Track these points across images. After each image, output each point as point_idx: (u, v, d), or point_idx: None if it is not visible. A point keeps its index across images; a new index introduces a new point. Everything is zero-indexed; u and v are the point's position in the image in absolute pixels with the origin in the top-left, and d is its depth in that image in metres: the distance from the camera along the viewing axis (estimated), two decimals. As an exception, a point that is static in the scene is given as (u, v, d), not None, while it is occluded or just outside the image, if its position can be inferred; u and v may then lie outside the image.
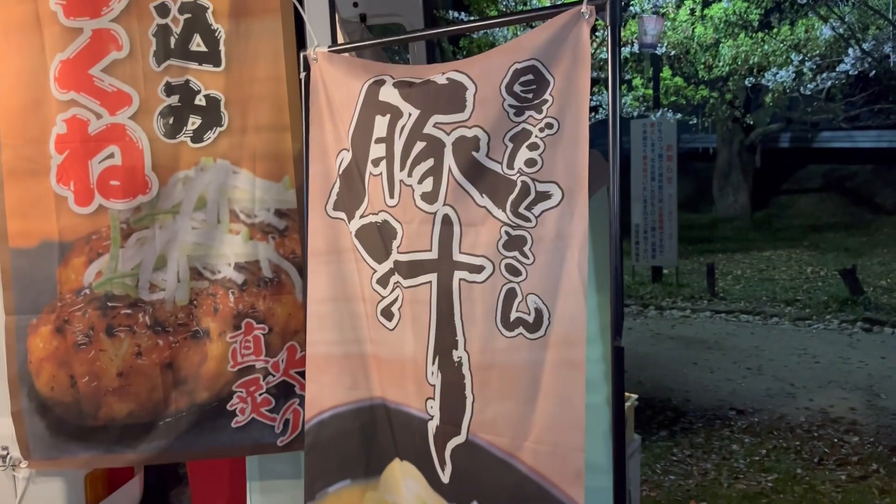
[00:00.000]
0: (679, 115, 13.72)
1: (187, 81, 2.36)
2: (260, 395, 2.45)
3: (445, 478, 1.92)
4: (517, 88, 1.74)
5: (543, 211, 1.71)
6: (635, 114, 13.40)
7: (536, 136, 1.71)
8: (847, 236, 13.06)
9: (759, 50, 12.33)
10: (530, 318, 1.75)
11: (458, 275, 1.85)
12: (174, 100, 2.36)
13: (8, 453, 2.59)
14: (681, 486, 4.46)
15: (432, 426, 1.95)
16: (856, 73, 12.13)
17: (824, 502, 4.15)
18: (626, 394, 2.70)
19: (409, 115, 1.92)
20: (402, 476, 2.08)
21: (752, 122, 14.72)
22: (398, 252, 1.98)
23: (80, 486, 2.70)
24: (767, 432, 5.23)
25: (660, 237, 9.91)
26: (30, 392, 2.44)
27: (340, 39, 2.48)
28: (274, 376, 2.45)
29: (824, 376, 6.38)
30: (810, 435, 5.15)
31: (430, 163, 1.87)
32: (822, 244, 12.60)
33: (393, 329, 2.04)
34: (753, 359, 7.00)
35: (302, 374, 2.34)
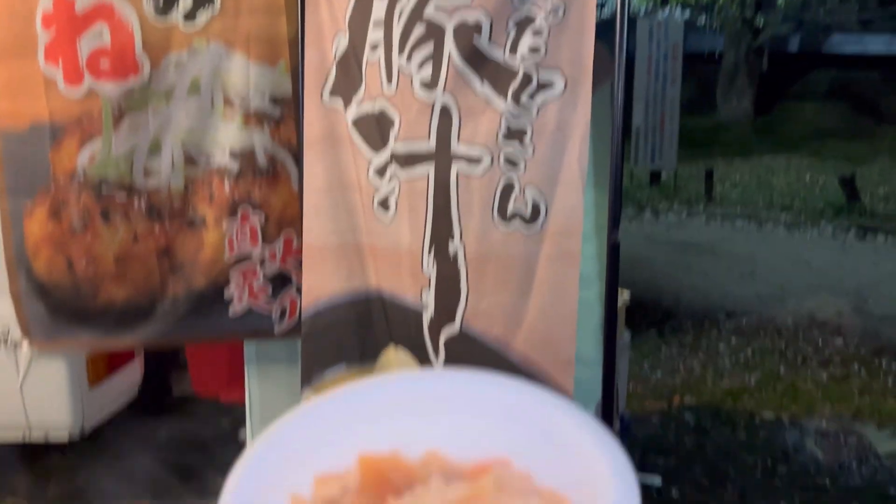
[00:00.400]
0: (687, 15, 13.30)
1: (177, -43, 2.25)
2: (256, 283, 2.47)
3: (439, 365, 1.96)
4: (522, -30, 1.66)
5: (545, 101, 1.68)
6: (642, 11, 12.98)
7: (541, 21, 1.65)
8: (849, 144, 12.93)
9: (776, -56, 11.81)
10: (527, 211, 1.74)
11: (455, 166, 1.83)
12: (164, -24, 2.26)
13: (9, 334, 2.63)
14: (667, 382, 4.59)
15: (427, 316, 1.97)
16: (874, -28, 11.68)
17: (804, 399, 4.29)
18: (620, 289, 2.73)
19: (409, -5, 1.85)
20: (396, 362, 2.13)
21: (761, 24, 14.28)
22: (395, 142, 1.94)
23: (82, 367, 2.77)
24: (754, 334, 5.34)
25: (660, 140, 9.78)
26: (27, 274, 2.46)
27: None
28: (270, 265, 2.46)
29: (815, 281, 6.47)
30: (796, 337, 5.26)
31: (429, 48, 1.81)
32: (823, 151, 12.50)
33: (389, 220, 2.03)
34: (746, 263, 7.06)
35: (298, 264, 2.36)
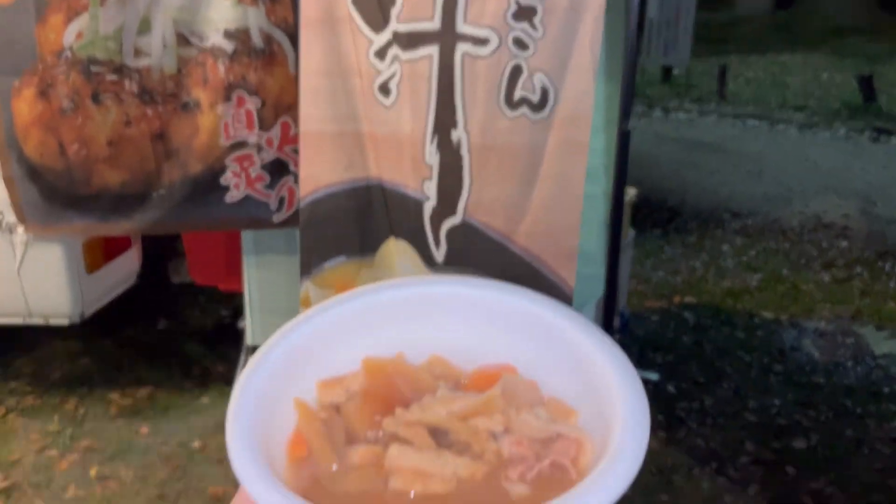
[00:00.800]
0: None
1: None
2: (254, 170, 2.40)
3: (440, 257, 1.93)
4: None
5: (558, -24, 1.56)
6: None
7: None
8: (870, 42, 12.50)
9: None
10: (535, 97, 1.65)
11: (461, 48, 1.72)
12: None
13: (3, 218, 2.60)
14: (668, 281, 4.59)
15: (428, 207, 1.92)
16: None
17: (805, 300, 4.30)
18: (627, 187, 2.67)
19: None
20: (396, 254, 2.09)
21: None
22: (398, 21, 1.83)
23: (78, 253, 2.75)
24: (759, 235, 5.30)
25: (674, 34, 9.42)
26: (19, 158, 2.39)
27: None
28: (267, 152, 2.39)
29: (824, 183, 6.37)
30: (801, 238, 5.23)
31: (435, -84, 1.68)
32: (842, 49, 12.10)
33: (390, 106, 1.95)
34: (755, 163, 6.95)
35: (296, 151, 2.28)
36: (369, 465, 0.44)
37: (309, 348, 0.51)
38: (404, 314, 0.54)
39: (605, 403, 0.45)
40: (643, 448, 0.41)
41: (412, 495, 0.42)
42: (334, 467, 0.44)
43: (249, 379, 0.47)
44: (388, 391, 0.49)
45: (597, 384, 0.47)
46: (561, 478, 0.43)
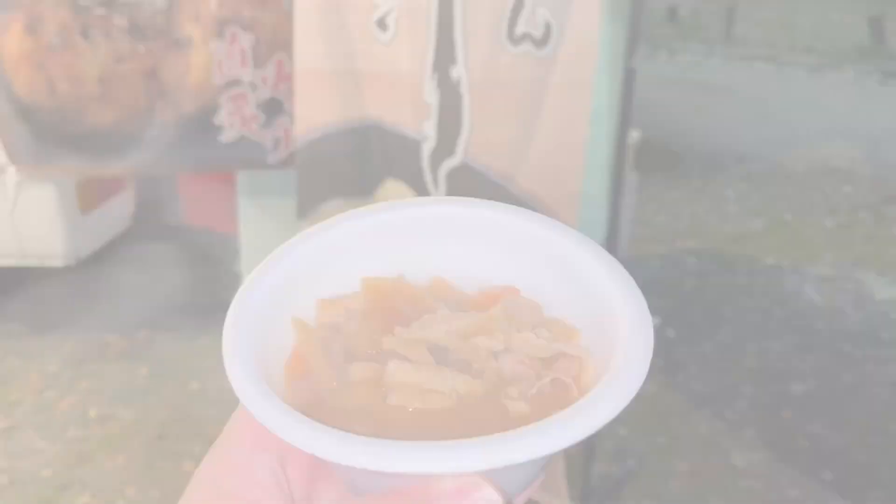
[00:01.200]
0: None
1: None
2: (248, 109, 2.35)
3: (438, 199, 1.89)
4: None
5: None
6: None
7: None
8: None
9: None
10: (538, 33, 1.59)
11: (461, -20, 1.65)
12: None
13: (-6, 157, 2.55)
14: (670, 226, 4.56)
15: (427, 147, 1.87)
16: None
17: (808, 246, 4.27)
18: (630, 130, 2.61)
19: None
20: (394, 196, 2.06)
21: None
22: (395, -49, 1.76)
23: (72, 193, 2.71)
24: (763, 179, 5.25)
25: (682, -28, 9.20)
26: (8, 95, 2.34)
27: None
28: (262, 91, 2.33)
29: (830, 127, 6.28)
30: (805, 183, 5.17)
31: None
32: (854, -12, 11.81)
33: (388, 42, 1.89)
34: (762, 107, 6.84)
35: (292, 90, 2.23)
36: (368, 381, 0.43)
37: (307, 268, 0.49)
38: (405, 235, 0.52)
39: (609, 322, 0.44)
40: (646, 365, 0.40)
41: (410, 410, 0.41)
42: (333, 385, 0.44)
43: (247, 296, 0.45)
44: (388, 311, 0.48)
45: (600, 304, 0.46)
46: (562, 395, 0.42)
